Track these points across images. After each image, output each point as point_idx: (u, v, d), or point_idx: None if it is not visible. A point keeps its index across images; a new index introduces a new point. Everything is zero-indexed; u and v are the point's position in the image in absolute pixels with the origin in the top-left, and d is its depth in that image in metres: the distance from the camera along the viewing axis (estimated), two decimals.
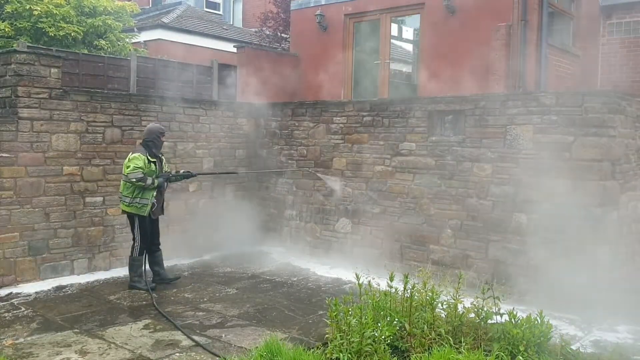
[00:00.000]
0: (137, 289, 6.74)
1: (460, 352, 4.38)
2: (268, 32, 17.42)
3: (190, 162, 8.61)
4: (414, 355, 4.47)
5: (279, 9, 16.59)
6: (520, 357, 4.36)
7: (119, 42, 12.45)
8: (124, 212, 6.89)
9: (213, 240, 8.57)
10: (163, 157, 7.08)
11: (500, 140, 6.78)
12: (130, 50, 12.48)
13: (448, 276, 5.76)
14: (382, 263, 7.31)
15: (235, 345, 5.04)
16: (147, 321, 5.68)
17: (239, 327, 5.56)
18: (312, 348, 4.69)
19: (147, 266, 6.98)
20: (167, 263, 8.09)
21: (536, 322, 4.63)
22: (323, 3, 11.93)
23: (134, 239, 6.86)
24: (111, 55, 11.15)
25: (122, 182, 6.78)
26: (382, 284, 5.22)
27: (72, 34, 11.32)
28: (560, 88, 9.97)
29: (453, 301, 4.88)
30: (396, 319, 4.86)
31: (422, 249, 7.36)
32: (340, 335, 4.52)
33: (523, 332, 4.51)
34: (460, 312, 4.83)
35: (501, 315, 4.72)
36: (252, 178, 9.54)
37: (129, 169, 6.58)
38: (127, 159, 6.70)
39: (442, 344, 4.56)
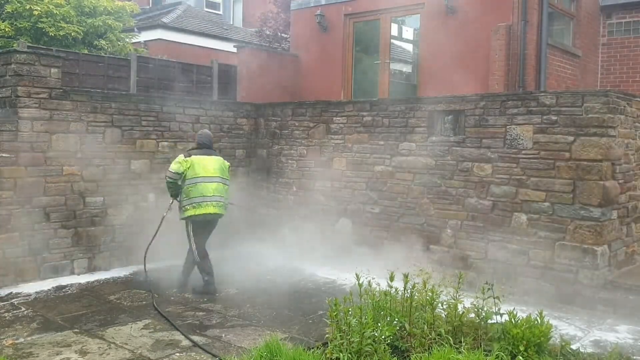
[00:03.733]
0: (213, 288, 6.76)
1: (460, 352, 4.38)
2: (268, 32, 17.43)
3: None
4: (414, 355, 4.47)
5: (279, 9, 16.60)
6: (520, 357, 4.36)
7: (119, 42, 12.46)
8: (218, 214, 6.97)
9: (213, 240, 8.54)
10: None
11: (500, 140, 6.78)
12: (130, 50, 12.49)
13: (448, 276, 5.75)
14: (382, 263, 7.30)
15: (235, 345, 5.04)
16: (147, 321, 5.68)
17: (239, 327, 5.56)
18: (312, 348, 4.68)
19: (144, 267, 6.98)
20: (165, 264, 8.09)
21: (536, 322, 4.63)
22: (323, 3, 11.94)
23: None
24: (111, 55, 11.15)
25: (222, 185, 6.91)
26: (382, 283, 5.21)
27: (72, 34, 11.33)
28: (560, 88, 9.98)
29: (453, 301, 4.87)
30: (396, 319, 4.85)
31: (422, 248, 7.36)
32: (340, 335, 4.51)
33: (523, 332, 4.51)
34: (460, 312, 4.83)
35: (501, 315, 4.71)
36: (252, 178, 9.54)
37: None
38: (223, 162, 6.97)
39: (442, 344, 4.56)
